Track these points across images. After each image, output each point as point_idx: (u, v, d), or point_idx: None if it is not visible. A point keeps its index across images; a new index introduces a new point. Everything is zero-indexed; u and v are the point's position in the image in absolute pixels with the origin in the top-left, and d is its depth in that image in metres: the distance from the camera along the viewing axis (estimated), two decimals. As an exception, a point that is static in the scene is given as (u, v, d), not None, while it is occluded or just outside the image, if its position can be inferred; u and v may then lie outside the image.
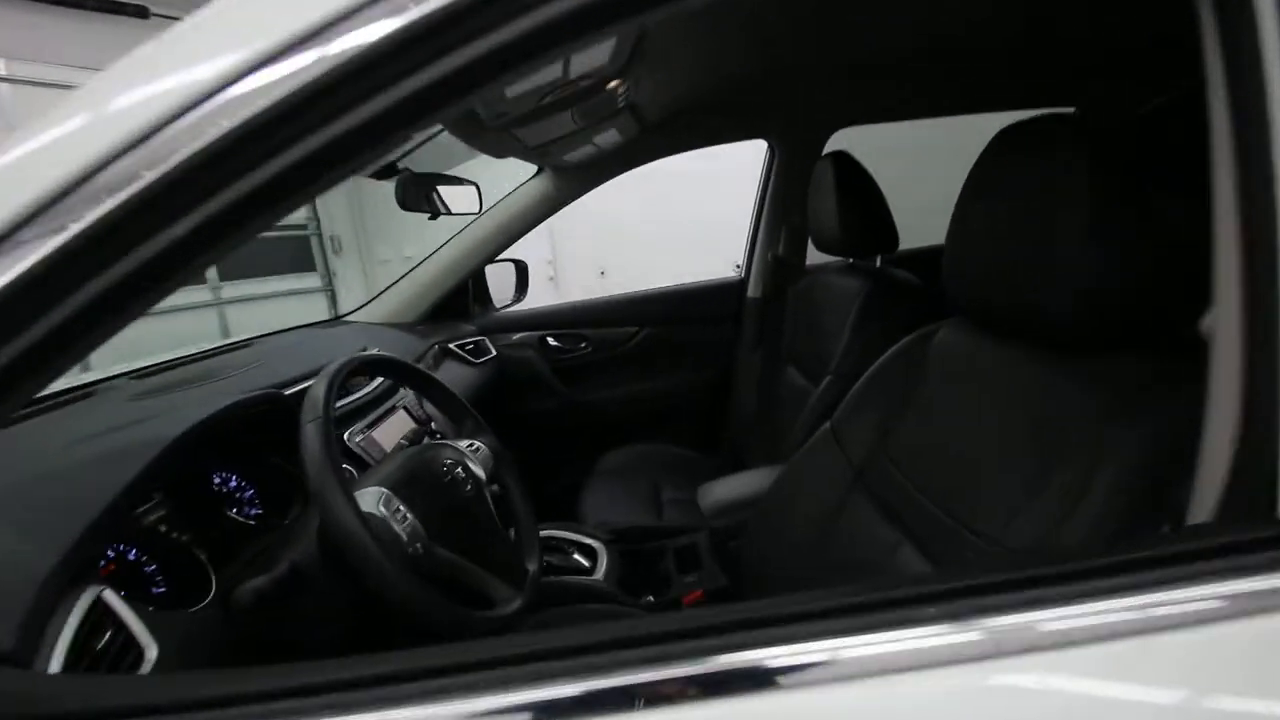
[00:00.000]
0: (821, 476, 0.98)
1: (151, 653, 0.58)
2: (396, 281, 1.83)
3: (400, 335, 1.67)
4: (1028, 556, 0.57)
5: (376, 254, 6.25)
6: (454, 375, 1.69)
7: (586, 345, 1.97)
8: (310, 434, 0.64)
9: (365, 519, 0.61)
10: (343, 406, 1.11)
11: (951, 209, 0.75)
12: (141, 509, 0.77)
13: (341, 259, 6.44)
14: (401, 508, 0.68)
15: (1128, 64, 1.51)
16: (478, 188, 1.53)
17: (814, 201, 1.47)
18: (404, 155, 1.29)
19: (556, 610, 1.08)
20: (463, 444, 0.90)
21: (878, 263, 1.46)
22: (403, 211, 1.49)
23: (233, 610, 0.65)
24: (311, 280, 6.25)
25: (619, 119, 1.35)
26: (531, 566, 0.85)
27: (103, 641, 0.55)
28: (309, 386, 0.71)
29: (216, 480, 0.87)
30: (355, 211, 6.25)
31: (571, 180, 1.71)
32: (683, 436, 1.96)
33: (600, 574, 1.23)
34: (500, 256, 2.00)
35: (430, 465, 0.77)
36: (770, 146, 1.82)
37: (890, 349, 0.94)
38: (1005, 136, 0.70)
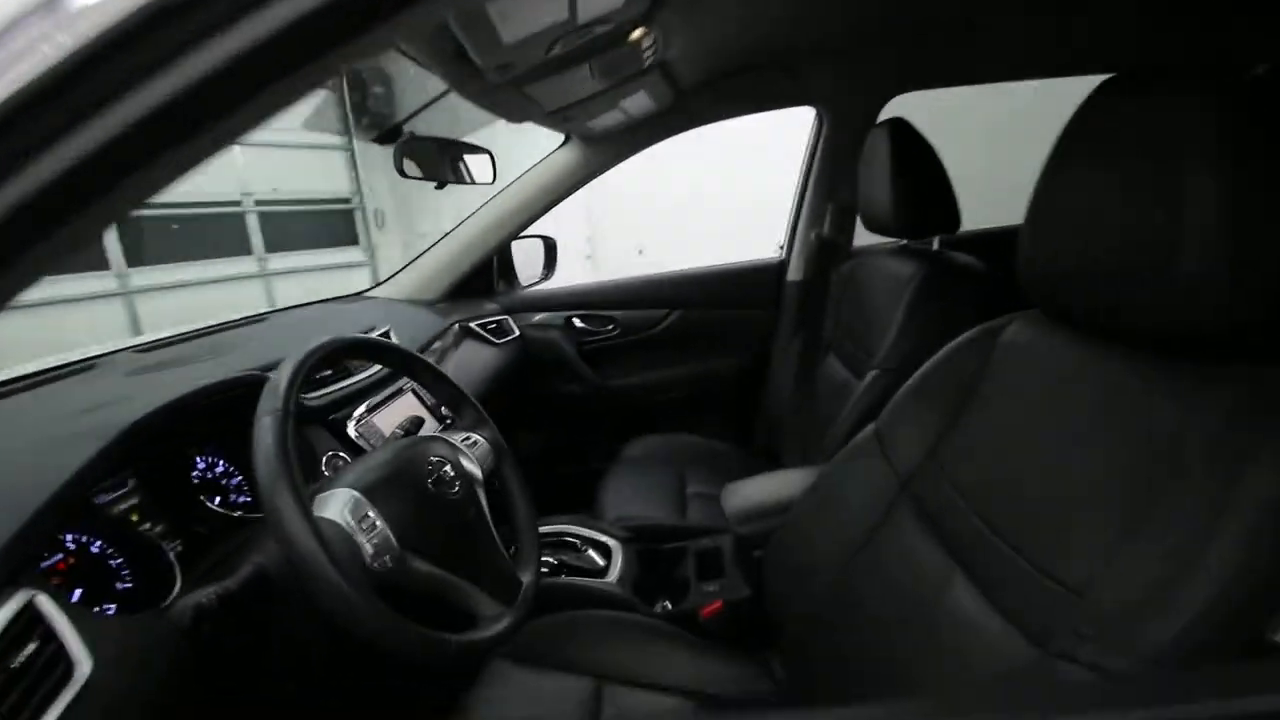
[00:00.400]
0: (862, 486, 0.86)
1: (83, 669, 0.51)
2: (419, 256, 1.76)
3: (419, 312, 1.60)
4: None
5: (417, 228, 6.29)
6: (474, 355, 1.62)
7: (614, 327, 1.87)
8: (264, 429, 0.56)
9: (320, 531, 0.53)
10: (344, 388, 1.04)
11: (1015, 189, 0.61)
12: (111, 497, 0.71)
13: (384, 233, 6.50)
14: (371, 514, 0.60)
15: (1246, 15, 1.29)
16: (491, 156, 1.41)
17: (865, 175, 1.32)
18: (411, 117, 1.20)
19: (564, 615, 1.00)
20: (458, 437, 0.82)
21: (935, 245, 1.30)
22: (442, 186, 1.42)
23: (174, 627, 0.58)
24: (355, 254, 6.34)
25: (648, 80, 1.23)
26: (526, 578, 0.77)
27: (23, 656, 0.49)
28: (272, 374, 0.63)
29: (201, 466, 0.81)
30: (397, 185, 6.27)
31: (601, 150, 1.60)
32: (712, 427, 1.85)
33: (614, 575, 1.15)
34: (527, 232, 1.92)
35: (414, 463, 0.69)
36: (818, 114, 1.66)
37: (949, 344, 0.81)
38: (1111, 87, 0.56)
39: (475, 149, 1.40)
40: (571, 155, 1.61)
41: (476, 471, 0.79)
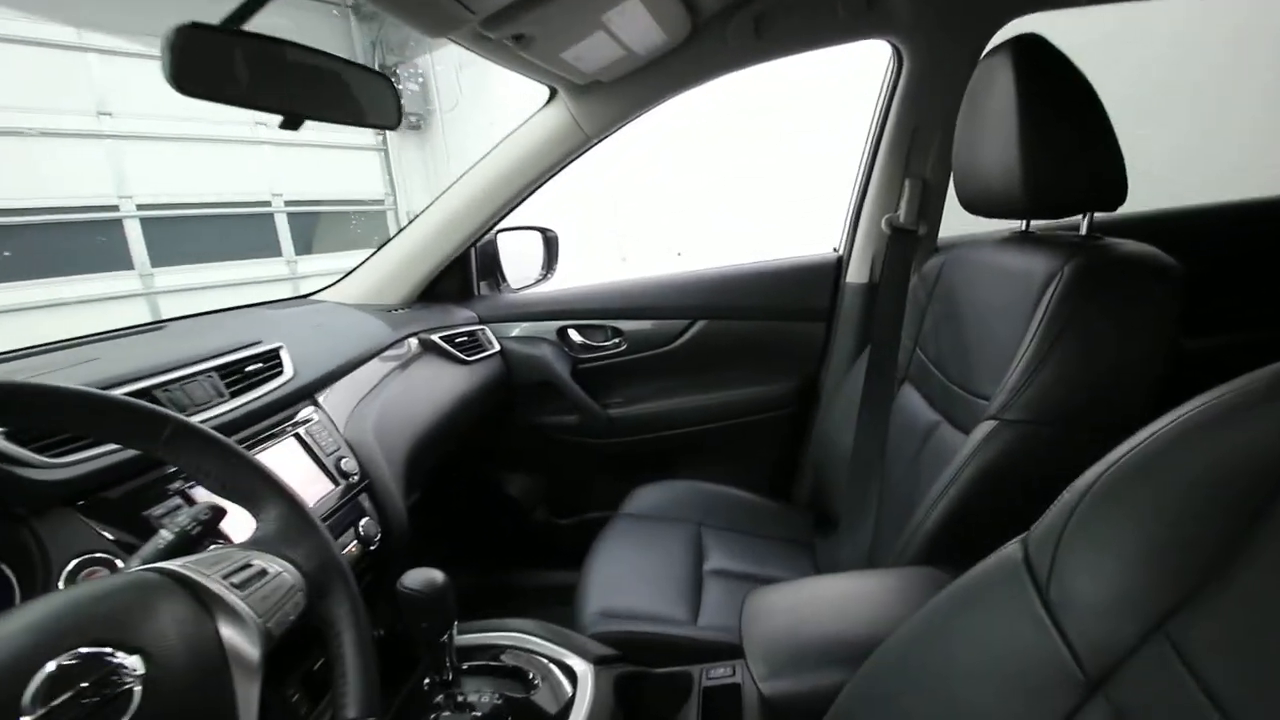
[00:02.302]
0: (1004, 659, 0.45)
1: None
2: (378, 251, 1.41)
3: (369, 320, 1.25)
4: None
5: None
6: (436, 377, 1.25)
7: (620, 342, 1.47)
8: None
9: None
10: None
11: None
12: None
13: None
14: None
15: None
16: (393, 88, 0.83)
17: (967, 132, 0.89)
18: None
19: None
20: (224, 565, 0.43)
21: (1083, 229, 0.85)
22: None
23: None
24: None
25: (657, 4, 0.83)
26: None
27: None
28: None
29: None
30: (433, 185, 6.08)
31: (597, 108, 1.21)
32: (742, 473, 1.43)
33: (571, 732, 0.75)
34: (521, 223, 1.55)
35: (22, 658, 0.31)
36: (895, 52, 1.22)
37: (1204, 406, 0.39)
38: None
39: (345, 65, 0.75)
40: (558, 116, 1.23)
41: (247, 642, 0.40)
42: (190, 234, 4.78)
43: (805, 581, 0.79)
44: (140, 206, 4.48)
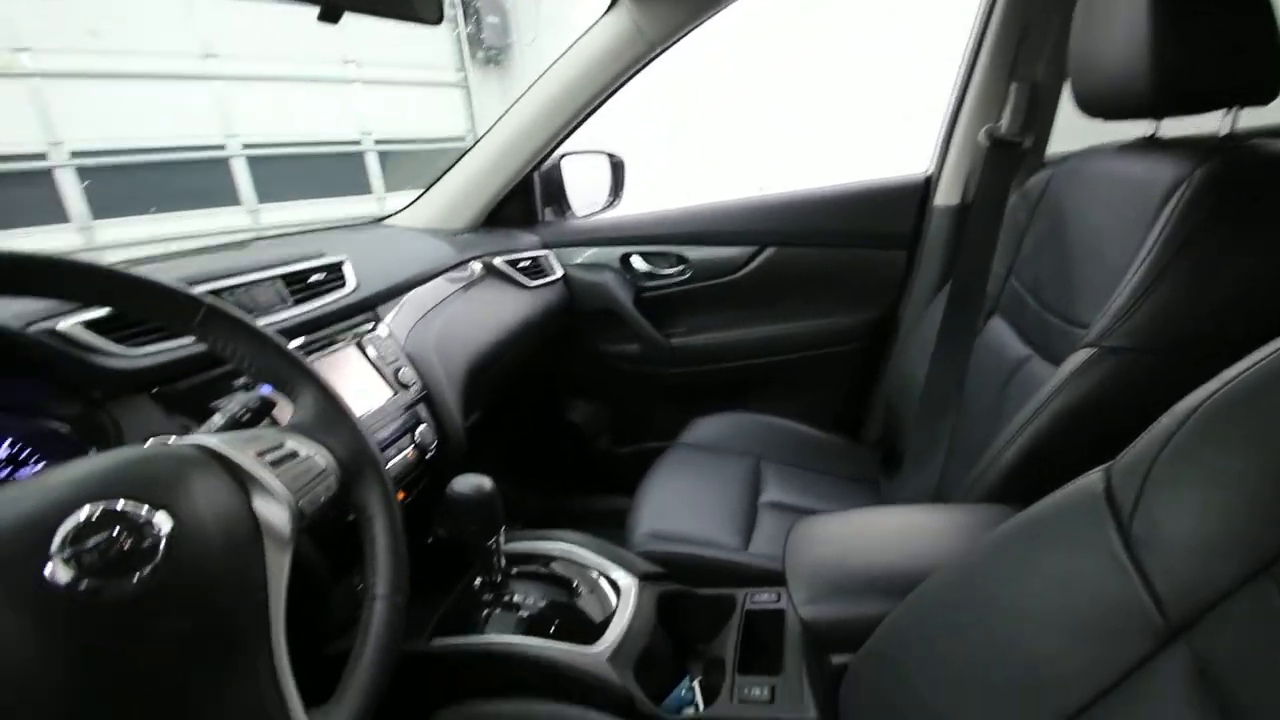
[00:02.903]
0: (1073, 593, 0.41)
1: None
2: (443, 175, 1.42)
3: (433, 242, 1.26)
4: None
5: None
6: (499, 301, 1.26)
7: (685, 269, 1.42)
8: None
9: None
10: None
11: None
12: None
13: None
14: None
15: None
16: None
17: (1085, 15, 0.75)
18: None
19: (503, 712, 0.63)
20: (258, 445, 0.45)
21: (1223, 129, 0.72)
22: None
23: None
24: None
25: None
26: None
27: None
28: None
29: None
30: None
31: (662, 8, 1.13)
32: (809, 408, 1.37)
33: (610, 641, 0.76)
34: (585, 147, 1.51)
35: (39, 517, 0.33)
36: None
37: None
38: None
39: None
40: (619, 24, 1.15)
41: (278, 515, 0.42)
42: (289, 173, 5.06)
43: (858, 511, 0.75)
44: (246, 146, 4.77)
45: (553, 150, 1.36)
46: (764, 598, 0.82)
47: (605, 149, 1.61)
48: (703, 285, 1.41)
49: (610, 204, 1.65)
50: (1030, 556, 0.45)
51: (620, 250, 1.44)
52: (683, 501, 1.06)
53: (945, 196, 1.22)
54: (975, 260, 1.03)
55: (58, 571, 0.32)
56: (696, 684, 0.77)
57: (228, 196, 4.75)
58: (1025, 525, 0.46)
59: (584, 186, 1.62)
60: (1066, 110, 1.05)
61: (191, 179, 4.53)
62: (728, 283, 1.39)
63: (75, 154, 4.05)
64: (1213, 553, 0.34)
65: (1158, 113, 0.73)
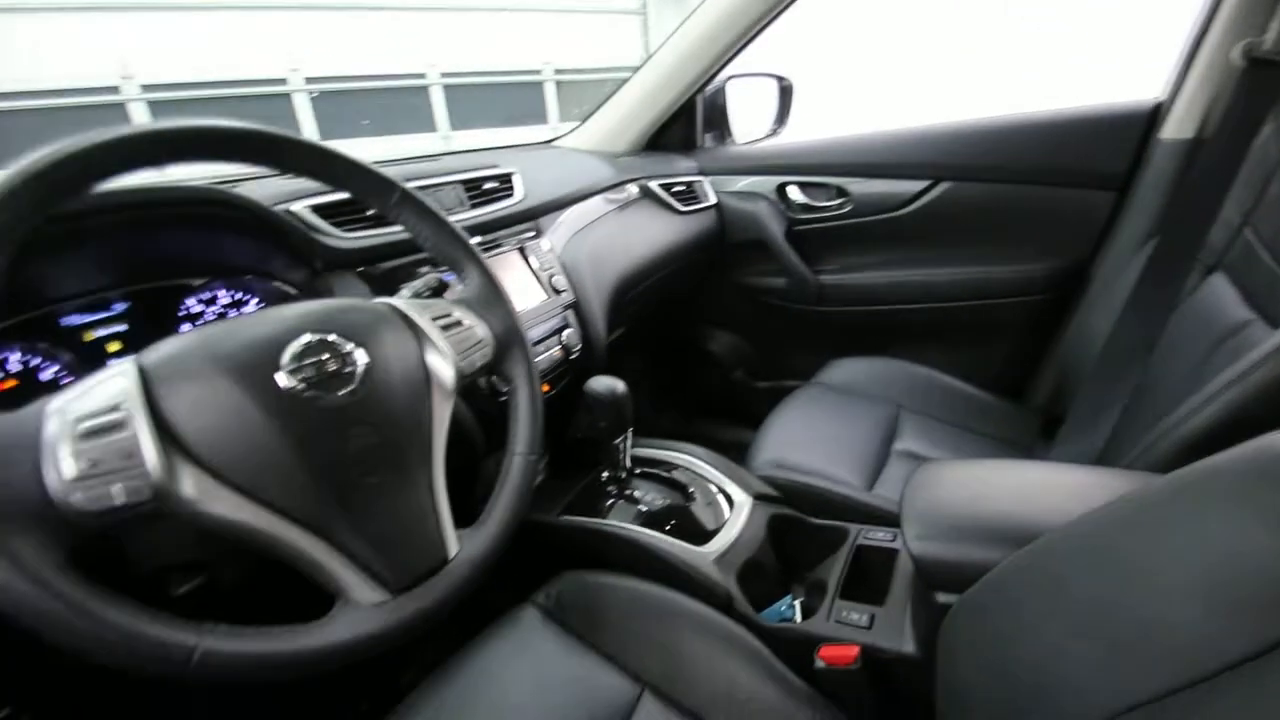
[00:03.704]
0: (1248, 551, 0.37)
1: None
2: (609, 98, 1.45)
3: (595, 163, 1.32)
4: None
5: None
6: (650, 224, 1.30)
7: (845, 203, 1.35)
8: None
9: None
10: (388, 235, 0.79)
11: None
12: (87, 319, 0.61)
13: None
14: (134, 410, 0.36)
15: None
16: None
17: None
18: None
19: (605, 584, 0.70)
20: (433, 311, 0.53)
21: None
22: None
23: None
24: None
25: None
26: (457, 550, 0.47)
27: None
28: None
29: (192, 301, 0.67)
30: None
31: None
32: (967, 363, 1.27)
33: (719, 546, 0.80)
34: (752, 69, 1.46)
35: (265, 343, 0.42)
36: None
37: None
38: None
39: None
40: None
41: (444, 369, 0.50)
42: (474, 101, 5.45)
43: (993, 461, 0.70)
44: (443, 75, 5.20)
45: (717, 73, 1.34)
46: (879, 535, 0.81)
47: (773, 71, 1.55)
48: (862, 221, 1.33)
49: (773, 131, 1.60)
50: (1185, 515, 0.41)
51: (777, 180, 1.40)
52: (810, 436, 1.06)
53: (1176, 128, 1.02)
54: (1202, 204, 0.86)
55: (286, 379, 0.41)
56: (798, 603, 0.80)
57: (425, 123, 5.25)
58: (1184, 481, 0.42)
59: (748, 112, 1.57)
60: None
61: (398, 104, 5.07)
62: (890, 219, 1.30)
63: (310, 80, 4.70)
64: None
65: None
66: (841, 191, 1.34)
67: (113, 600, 0.33)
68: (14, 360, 0.57)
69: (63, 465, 0.33)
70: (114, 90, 4.20)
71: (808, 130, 1.49)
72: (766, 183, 1.41)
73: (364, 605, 0.42)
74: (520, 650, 0.64)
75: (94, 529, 0.34)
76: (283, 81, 4.65)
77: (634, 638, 0.64)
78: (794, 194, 1.40)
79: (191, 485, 0.37)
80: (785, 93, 1.56)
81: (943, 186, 1.24)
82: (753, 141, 1.55)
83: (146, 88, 4.26)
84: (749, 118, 1.57)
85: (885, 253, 1.35)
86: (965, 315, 1.29)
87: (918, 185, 1.25)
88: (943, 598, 0.59)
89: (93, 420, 0.35)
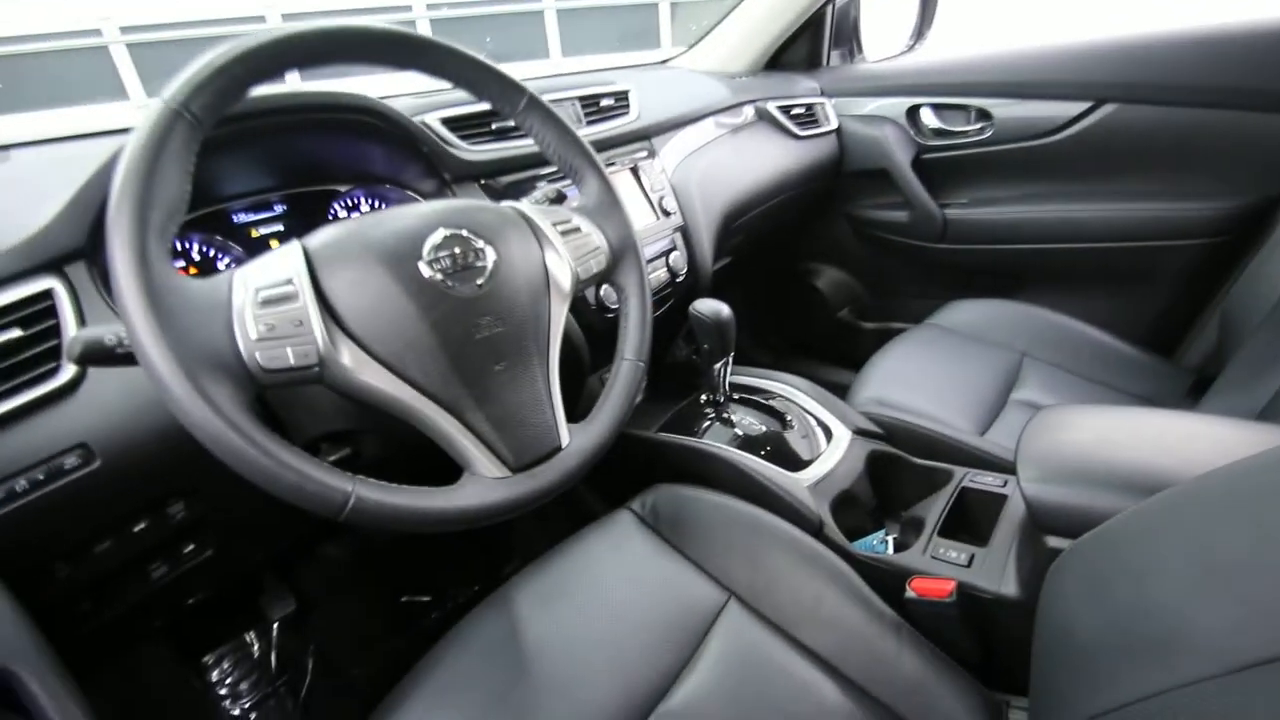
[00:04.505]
0: None
1: (64, 375, 0.48)
2: (728, 14, 1.38)
3: (710, 83, 1.27)
4: None
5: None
6: (764, 149, 1.25)
7: (986, 128, 1.23)
8: (141, 126, 0.38)
9: (151, 284, 0.35)
10: (510, 149, 0.80)
11: None
12: (252, 218, 0.69)
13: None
14: (298, 286, 0.40)
15: None
16: None
17: None
18: None
19: (700, 499, 0.72)
20: (554, 218, 0.55)
21: None
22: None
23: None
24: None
25: None
26: (569, 439, 0.50)
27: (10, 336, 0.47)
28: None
29: (338, 206, 0.73)
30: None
31: None
32: (1111, 312, 1.14)
33: (816, 474, 0.80)
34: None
35: (410, 235, 0.45)
36: None
37: None
38: None
39: None
40: None
41: (562, 272, 0.52)
42: (584, 27, 5.39)
43: (1128, 407, 0.64)
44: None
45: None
46: (986, 480, 0.78)
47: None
48: (1004, 149, 1.20)
49: (910, 46, 1.46)
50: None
51: (910, 101, 1.28)
52: (919, 377, 1.01)
53: None
54: None
55: (427, 270, 0.45)
56: (890, 539, 0.79)
57: (540, 51, 5.26)
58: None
59: (882, 24, 1.44)
60: None
61: (514, 30, 5.11)
62: (1036, 148, 1.17)
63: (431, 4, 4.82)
64: None
65: None
66: (983, 114, 1.22)
67: (287, 446, 0.39)
68: (196, 249, 0.65)
69: (248, 326, 0.39)
70: (96, 33, 4.54)
71: (948, 47, 1.34)
72: (896, 105, 1.30)
73: (487, 479, 0.46)
74: (615, 548, 0.69)
75: (268, 385, 0.40)
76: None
77: (723, 549, 0.67)
78: (927, 118, 1.29)
79: (348, 355, 0.42)
80: (926, 2, 1.42)
81: (1106, 109, 1.09)
82: (885, 59, 1.43)
83: (125, 29, 4.56)
84: (883, 33, 1.44)
85: (1024, 185, 1.22)
86: (1115, 258, 1.16)
87: (1076, 108, 1.11)
88: (1053, 542, 0.57)
89: (270, 289, 0.40)
